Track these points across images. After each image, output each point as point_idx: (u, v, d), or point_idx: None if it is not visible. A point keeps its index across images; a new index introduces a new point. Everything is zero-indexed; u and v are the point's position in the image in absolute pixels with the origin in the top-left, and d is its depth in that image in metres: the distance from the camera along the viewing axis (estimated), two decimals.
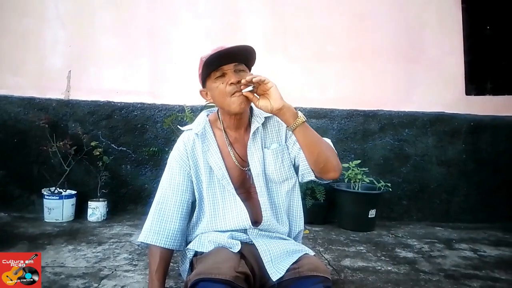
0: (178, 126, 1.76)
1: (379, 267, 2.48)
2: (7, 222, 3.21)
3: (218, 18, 3.86)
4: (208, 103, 3.43)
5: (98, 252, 2.54)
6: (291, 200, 1.68)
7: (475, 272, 2.47)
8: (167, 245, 1.57)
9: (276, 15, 3.90)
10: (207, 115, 1.67)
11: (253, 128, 1.59)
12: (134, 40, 3.81)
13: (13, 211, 3.47)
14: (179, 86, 3.76)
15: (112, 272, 2.20)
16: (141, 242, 1.59)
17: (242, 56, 1.49)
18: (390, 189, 3.47)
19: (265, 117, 1.62)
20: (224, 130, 1.60)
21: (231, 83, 1.45)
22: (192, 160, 1.59)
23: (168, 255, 1.60)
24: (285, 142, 1.63)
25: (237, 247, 1.49)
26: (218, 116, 1.62)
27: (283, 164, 1.62)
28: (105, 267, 2.27)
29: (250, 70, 1.56)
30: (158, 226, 1.58)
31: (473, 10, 3.90)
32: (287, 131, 1.62)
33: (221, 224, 1.58)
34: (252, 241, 1.54)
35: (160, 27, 3.83)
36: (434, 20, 3.96)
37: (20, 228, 3.03)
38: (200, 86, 1.61)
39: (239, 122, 1.58)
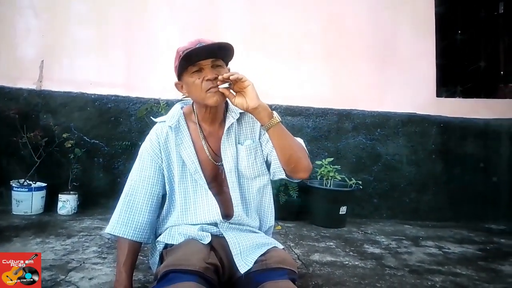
0: (152, 117, 1.75)
1: (347, 262, 2.53)
2: None
3: (195, 12, 3.84)
4: (184, 97, 3.43)
5: (67, 245, 2.51)
6: (262, 196, 1.69)
7: (438, 267, 2.55)
8: (135, 238, 1.56)
9: (254, 12, 3.92)
10: (182, 108, 1.67)
11: (227, 123, 1.59)
12: (109, 31, 3.76)
13: None
14: (155, 80, 3.73)
15: (80, 264, 2.17)
16: (109, 233, 1.59)
17: (220, 52, 1.49)
18: (361, 187, 3.55)
19: (240, 113, 1.62)
20: (199, 124, 1.60)
21: (208, 79, 1.44)
22: (165, 152, 1.59)
23: (136, 248, 1.60)
24: (259, 139, 1.64)
25: (207, 239, 1.50)
26: (193, 109, 1.62)
27: (256, 160, 1.63)
28: (73, 259, 2.24)
29: (227, 65, 1.56)
30: (126, 218, 1.57)
31: (446, 15, 4.01)
32: (261, 130, 1.63)
33: (192, 218, 1.58)
34: (222, 234, 1.56)
35: (136, 18, 3.79)
36: (408, 23, 4.06)
37: None
38: (175, 78, 1.59)
39: (214, 116, 1.58)
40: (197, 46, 1.43)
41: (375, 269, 2.44)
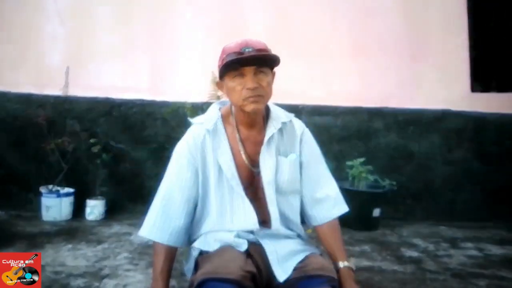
0: (189, 118, 1.70)
1: (385, 267, 2.45)
2: (4, 220, 3.16)
3: (219, 13, 3.80)
4: (210, 101, 3.39)
5: (98, 251, 2.50)
6: (294, 209, 1.62)
7: (481, 271, 2.44)
8: (171, 243, 1.51)
9: (279, 10, 3.85)
10: (219, 109, 1.61)
11: (268, 133, 1.53)
12: (133, 36, 3.75)
13: (10, 209, 3.41)
14: (180, 83, 3.71)
15: (113, 271, 2.16)
16: (144, 237, 1.53)
17: (264, 60, 1.42)
18: (395, 188, 3.43)
19: (282, 123, 1.57)
20: (236, 126, 1.54)
21: (248, 88, 1.39)
22: (201, 155, 1.53)
23: (172, 253, 1.54)
24: (300, 157, 1.60)
25: (244, 246, 1.45)
26: (231, 111, 1.56)
27: (296, 176, 1.58)
28: (105, 266, 2.23)
29: (272, 69, 1.49)
30: (163, 222, 1.52)
31: (478, 6, 3.86)
32: (301, 144, 1.61)
33: (228, 224, 1.53)
34: (259, 240, 1.50)
35: (160, 22, 3.77)
36: (439, 16, 3.92)
37: (18, 226, 2.99)
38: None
39: (252, 121, 1.53)
40: (241, 50, 1.38)
41: (415, 273, 2.36)
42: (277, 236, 1.55)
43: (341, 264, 1.49)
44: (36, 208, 3.36)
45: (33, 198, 3.47)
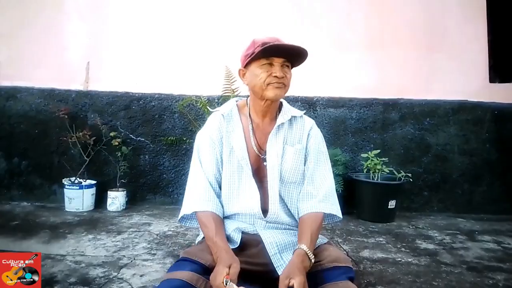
0: (208, 107, 1.78)
1: (399, 259, 2.44)
2: (29, 211, 3.28)
3: (234, 7, 3.81)
4: (224, 94, 3.42)
5: (117, 241, 2.57)
6: (295, 199, 1.64)
7: (499, 264, 2.41)
8: (214, 210, 1.51)
9: (294, 3, 3.84)
10: (236, 101, 1.71)
11: (279, 121, 1.60)
12: (151, 31, 3.80)
13: (35, 200, 3.56)
14: (196, 77, 3.75)
15: (131, 261, 2.22)
16: (185, 214, 1.55)
17: (294, 56, 1.55)
18: (411, 180, 3.40)
19: (292, 116, 1.65)
20: (250, 117, 1.63)
21: (275, 76, 1.50)
22: (217, 138, 1.61)
23: (219, 221, 1.51)
24: (305, 150, 1.64)
25: (235, 244, 1.48)
26: (247, 102, 1.66)
27: (299, 167, 1.61)
28: (124, 256, 2.30)
29: (291, 68, 1.60)
30: (198, 194, 1.54)
31: None
32: (308, 139, 1.65)
33: (234, 204, 1.57)
34: (258, 234, 1.52)
35: (176, 18, 3.80)
36: (456, 4, 3.84)
37: (42, 217, 3.10)
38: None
39: (267, 110, 1.60)
40: (275, 43, 1.48)
41: (430, 266, 2.34)
42: (277, 228, 1.58)
43: (301, 246, 1.40)
44: (59, 199, 3.49)
45: (56, 189, 3.61)
